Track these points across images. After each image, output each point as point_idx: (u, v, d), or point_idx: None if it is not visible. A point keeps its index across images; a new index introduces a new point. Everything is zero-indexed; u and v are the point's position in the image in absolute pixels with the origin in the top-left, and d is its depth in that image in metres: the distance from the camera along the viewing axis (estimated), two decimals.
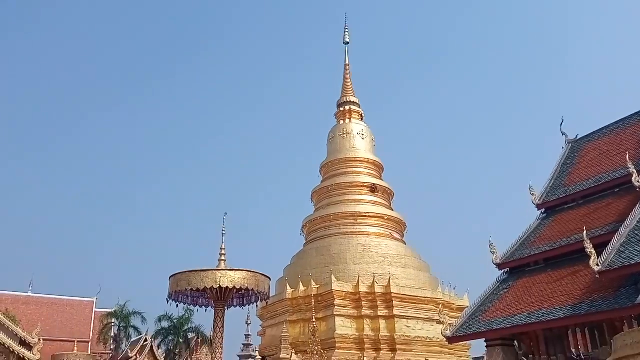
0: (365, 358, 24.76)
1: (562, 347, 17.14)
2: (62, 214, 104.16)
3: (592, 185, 21.04)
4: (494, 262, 21.15)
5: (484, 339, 19.77)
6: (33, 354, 20.27)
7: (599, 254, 15.51)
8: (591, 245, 15.79)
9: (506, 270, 21.18)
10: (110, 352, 46.64)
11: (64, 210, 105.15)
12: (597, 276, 15.47)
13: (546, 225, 21.57)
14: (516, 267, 20.74)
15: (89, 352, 49.40)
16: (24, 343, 20.23)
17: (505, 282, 20.64)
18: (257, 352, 23.44)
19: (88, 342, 53.25)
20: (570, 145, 24.80)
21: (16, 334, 20.14)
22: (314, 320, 25.88)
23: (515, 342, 18.93)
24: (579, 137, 24.91)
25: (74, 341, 47.52)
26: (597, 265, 15.33)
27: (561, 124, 25.13)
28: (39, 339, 20.90)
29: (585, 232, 16.58)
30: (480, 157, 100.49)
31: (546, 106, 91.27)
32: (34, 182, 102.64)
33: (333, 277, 29.55)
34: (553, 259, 19.34)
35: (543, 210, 22.69)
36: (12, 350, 19.66)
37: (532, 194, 22.83)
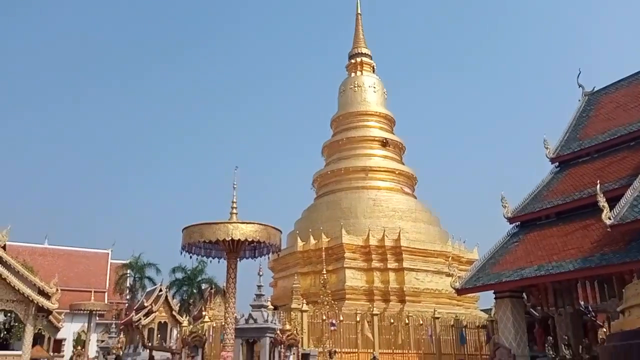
0: (374, 308, 25.16)
1: (571, 299, 17.30)
2: (77, 167, 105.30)
3: (607, 139, 20.71)
4: (505, 216, 21.13)
5: (492, 291, 20.01)
6: (51, 302, 20.84)
7: (611, 208, 15.39)
8: (604, 199, 15.66)
9: (517, 224, 21.18)
10: (126, 301, 48.00)
11: (78, 163, 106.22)
12: (608, 230, 15.41)
13: (559, 179, 21.39)
14: (527, 220, 20.72)
15: (106, 302, 50.96)
16: (42, 292, 20.74)
17: (516, 235, 20.67)
18: (269, 302, 23.89)
19: (104, 292, 54.86)
20: (587, 97, 24.30)
21: (34, 284, 20.61)
22: (324, 272, 26.24)
23: (524, 294, 19.14)
24: (595, 89, 24.36)
25: (90, 291, 48.95)
26: (609, 218, 15.24)
27: (578, 76, 24.64)
28: (57, 289, 21.41)
29: (598, 186, 16.42)
30: (495, 110, 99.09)
31: (564, 58, 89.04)
32: (49, 135, 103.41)
33: (343, 231, 29.78)
34: (565, 212, 19.27)
35: (557, 164, 22.47)
36: (31, 299, 20.21)
37: (547, 148, 22.57)
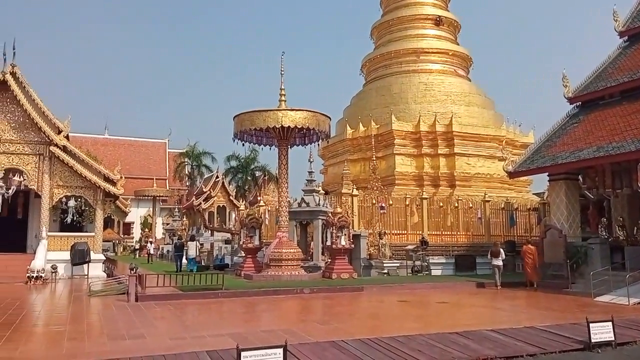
0: (424, 193, 25.40)
1: (629, 181, 16.77)
2: (134, 59, 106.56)
3: None
4: (566, 96, 20.09)
5: (547, 174, 19.64)
6: (117, 188, 22.20)
7: None
8: None
9: (578, 104, 20.15)
10: (186, 188, 50.69)
11: (135, 55, 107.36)
12: None
13: (627, 55, 19.81)
14: (589, 100, 19.64)
15: (167, 188, 53.98)
16: (107, 179, 22.07)
17: (576, 116, 19.76)
18: (320, 187, 24.57)
19: (165, 179, 57.96)
20: None
21: (99, 172, 21.90)
22: (374, 159, 26.35)
23: (580, 176, 18.69)
24: None
25: (152, 179, 51.80)
26: None
27: None
28: (121, 176, 22.71)
29: None
30: None
31: None
32: (109, 30, 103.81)
33: (393, 117, 29.33)
34: (630, 91, 18.07)
35: (626, 38, 20.69)
36: (98, 185, 21.58)
37: (616, 20, 20.67)
